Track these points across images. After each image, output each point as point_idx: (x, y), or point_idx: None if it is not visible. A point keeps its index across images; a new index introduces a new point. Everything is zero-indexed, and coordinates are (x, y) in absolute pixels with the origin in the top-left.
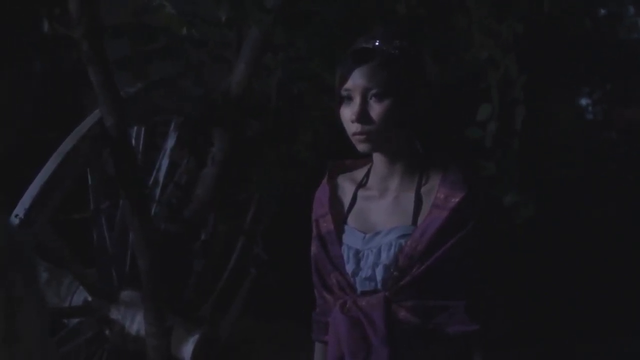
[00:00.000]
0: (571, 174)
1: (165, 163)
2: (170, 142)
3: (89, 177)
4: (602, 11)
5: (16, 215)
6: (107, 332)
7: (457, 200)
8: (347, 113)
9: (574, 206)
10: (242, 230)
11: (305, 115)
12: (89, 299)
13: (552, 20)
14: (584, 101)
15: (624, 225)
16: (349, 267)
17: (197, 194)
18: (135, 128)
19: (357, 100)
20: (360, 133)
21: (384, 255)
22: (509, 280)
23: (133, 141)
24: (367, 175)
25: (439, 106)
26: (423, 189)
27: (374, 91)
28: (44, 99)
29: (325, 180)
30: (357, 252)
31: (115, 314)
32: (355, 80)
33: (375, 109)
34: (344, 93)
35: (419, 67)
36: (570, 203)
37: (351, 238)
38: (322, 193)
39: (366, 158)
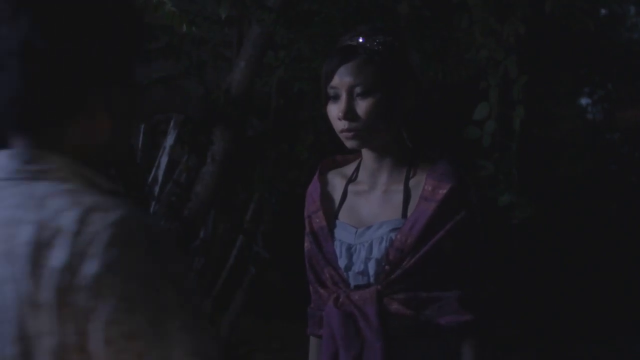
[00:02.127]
0: (572, 173)
1: (164, 161)
2: (170, 140)
3: None
4: (604, 11)
5: None
6: None
7: (444, 191)
8: (334, 110)
9: (574, 206)
10: (242, 229)
11: (306, 114)
12: None
13: (553, 20)
14: (584, 101)
15: (624, 225)
16: (342, 262)
17: (197, 192)
18: None
19: (343, 97)
20: (347, 130)
21: (375, 250)
22: (509, 280)
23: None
24: (356, 170)
25: (427, 100)
26: (411, 182)
27: (359, 88)
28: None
29: (316, 177)
30: (350, 247)
31: None
32: (341, 78)
33: (362, 106)
34: (330, 91)
35: (404, 62)
36: (570, 203)
37: (343, 233)
38: (313, 190)
39: (356, 153)
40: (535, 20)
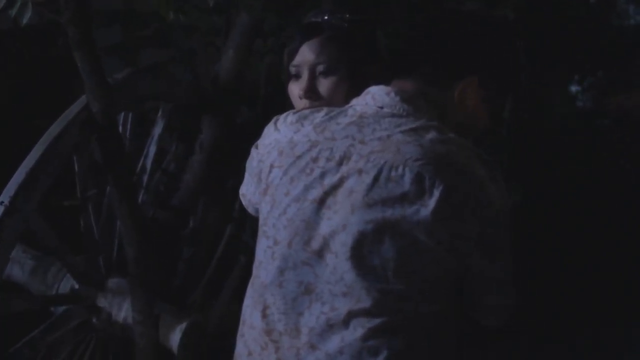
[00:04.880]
0: (564, 161)
1: (153, 149)
2: (159, 129)
3: (76, 163)
4: None
5: (1, 203)
6: (94, 319)
7: None
8: (296, 89)
9: (566, 193)
10: (231, 218)
11: None
12: (76, 286)
13: (544, 6)
14: (573, 88)
15: (617, 212)
16: None
17: (186, 180)
18: (123, 114)
19: (305, 75)
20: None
21: None
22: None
23: (121, 127)
24: None
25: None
26: None
27: (322, 66)
28: (37, 86)
29: None
30: None
31: (102, 301)
32: (303, 56)
33: (324, 84)
34: (292, 69)
35: (369, 41)
36: (561, 190)
37: None
38: None
39: None
40: (526, 6)
